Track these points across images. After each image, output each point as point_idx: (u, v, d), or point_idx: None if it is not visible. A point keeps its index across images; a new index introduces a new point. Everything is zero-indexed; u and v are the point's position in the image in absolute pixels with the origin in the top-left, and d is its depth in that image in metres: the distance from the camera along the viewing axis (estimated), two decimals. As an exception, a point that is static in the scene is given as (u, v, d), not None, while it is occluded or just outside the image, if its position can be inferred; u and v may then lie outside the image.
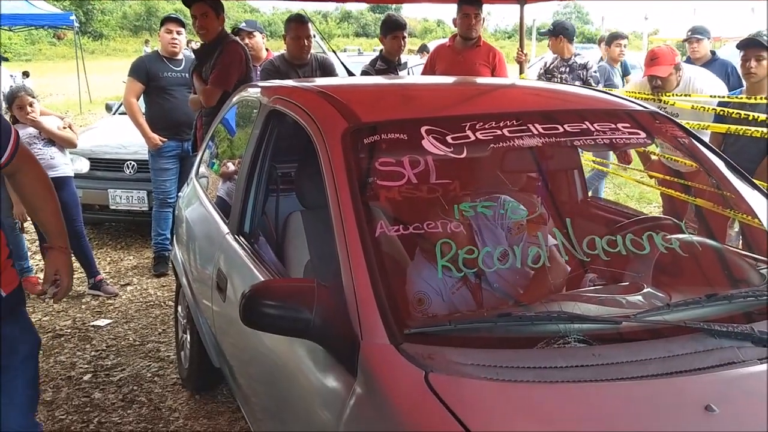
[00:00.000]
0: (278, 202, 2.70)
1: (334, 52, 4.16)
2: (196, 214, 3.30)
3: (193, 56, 4.62)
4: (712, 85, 4.23)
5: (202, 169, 3.56)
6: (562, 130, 2.01)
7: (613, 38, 6.61)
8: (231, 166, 3.26)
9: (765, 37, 3.73)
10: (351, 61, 10.93)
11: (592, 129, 2.04)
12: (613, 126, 2.07)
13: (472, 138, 1.92)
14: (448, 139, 1.90)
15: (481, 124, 1.96)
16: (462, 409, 1.24)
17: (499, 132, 1.95)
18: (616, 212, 2.79)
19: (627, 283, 1.87)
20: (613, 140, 2.08)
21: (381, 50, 5.15)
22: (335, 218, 1.69)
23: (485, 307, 1.73)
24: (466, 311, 1.67)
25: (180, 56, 4.99)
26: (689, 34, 5.44)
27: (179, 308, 3.62)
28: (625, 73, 6.91)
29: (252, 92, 2.91)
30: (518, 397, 1.30)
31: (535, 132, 1.97)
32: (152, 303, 4.57)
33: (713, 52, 5.52)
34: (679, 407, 1.28)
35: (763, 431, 1.21)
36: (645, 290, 1.82)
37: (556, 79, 5.41)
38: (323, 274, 2.08)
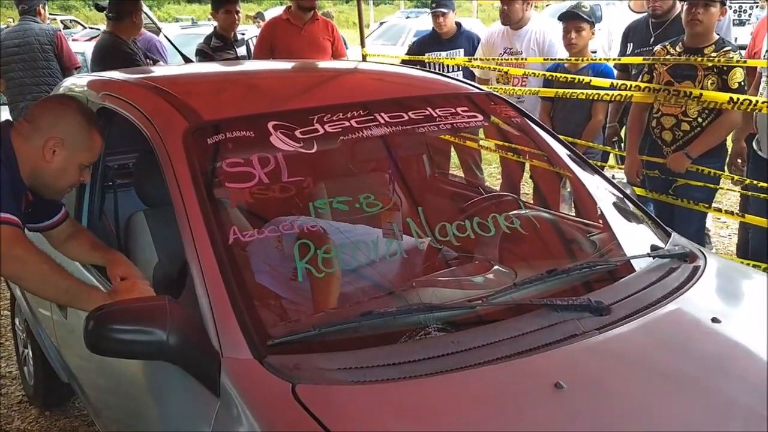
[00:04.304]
0: (116, 203, 2.54)
1: (169, 40, 3.93)
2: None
3: None
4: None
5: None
6: (407, 117, 2.04)
7: None
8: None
9: (584, 9, 4.01)
10: (184, 32, 10.41)
11: (435, 115, 2.09)
12: (453, 110, 2.14)
13: (321, 131, 1.90)
14: (297, 133, 1.87)
15: (329, 116, 1.95)
16: (332, 419, 1.24)
17: (347, 123, 1.94)
18: (461, 186, 2.92)
19: (476, 263, 1.96)
20: (455, 124, 2.14)
21: (215, 26, 4.94)
22: (184, 230, 1.61)
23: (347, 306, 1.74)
24: (329, 312, 1.67)
25: None
26: (433, 6, 4.75)
27: (17, 320, 3.32)
28: None
29: (78, 85, 2.68)
30: (385, 398, 1.33)
31: (382, 121, 1.99)
32: (-16, 315, 4.15)
33: (459, 24, 4.90)
34: (533, 387, 1.37)
35: (607, 404, 1.33)
36: (493, 268, 1.92)
37: None
38: (176, 277, 1.99)
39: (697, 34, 3.30)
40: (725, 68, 3.22)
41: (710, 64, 3.22)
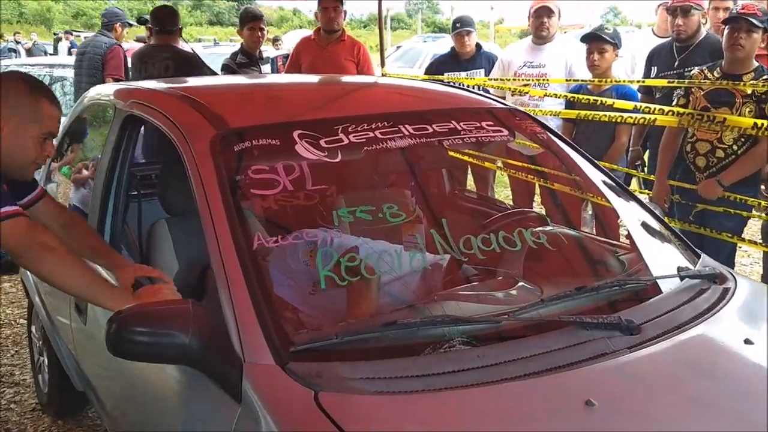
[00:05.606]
0: (140, 211, 2.54)
1: (195, 52, 4.01)
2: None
3: None
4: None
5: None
6: (431, 130, 2.03)
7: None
8: (85, 172, 3.03)
9: (607, 31, 3.99)
10: (206, 52, 10.56)
11: (459, 128, 2.08)
12: (478, 124, 2.13)
13: (346, 141, 1.89)
14: (322, 143, 1.86)
15: (354, 126, 1.94)
16: (355, 429, 1.21)
17: (371, 134, 1.94)
18: (481, 204, 2.89)
19: (501, 278, 1.93)
20: (479, 138, 2.13)
21: (241, 43, 5.00)
22: (208, 234, 1.60)
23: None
24: (352, 322, 1.65)
25: None
26: (458, 26, 4.78)
27: (33, 328, 3.32)
28: None
29: (104, 94, 2.70)
30: (409, 409, 1.30)
31: (407, 133, 1.98)
32: (1, 322, 4.16)
33: (479, 45, 4.96)
34: (562, 404, 1.33)
35: (639, 424, 1.29)
36: (519, 284, 1.89)
37: None
38: (195, 285, 1.98)
39: (737, 60, 3.22)
40: (764, 96, 3.11)
41: (749, 91, 3.12)
